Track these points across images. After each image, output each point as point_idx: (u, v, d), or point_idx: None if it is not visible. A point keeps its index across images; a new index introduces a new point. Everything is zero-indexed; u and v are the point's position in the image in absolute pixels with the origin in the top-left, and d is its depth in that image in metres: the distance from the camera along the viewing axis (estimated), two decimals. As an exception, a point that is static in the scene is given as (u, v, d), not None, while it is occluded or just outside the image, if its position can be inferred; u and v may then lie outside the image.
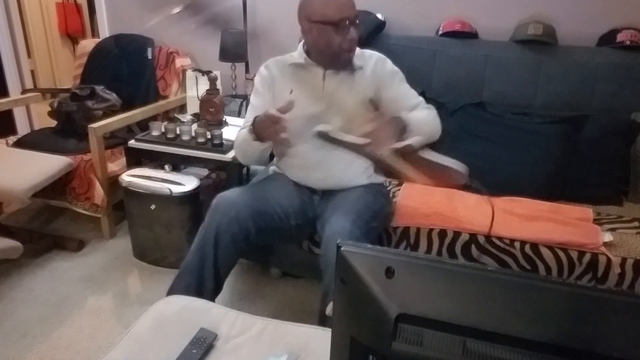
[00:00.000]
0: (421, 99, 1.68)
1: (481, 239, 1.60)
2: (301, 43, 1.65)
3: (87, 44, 2.81)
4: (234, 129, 2.35)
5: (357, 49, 1.61)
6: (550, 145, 1.92)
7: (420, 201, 1.77)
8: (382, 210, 1.63)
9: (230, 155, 2.04)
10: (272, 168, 1.80)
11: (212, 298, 1.49)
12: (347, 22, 1.48)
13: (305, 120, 1.56)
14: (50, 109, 2.48)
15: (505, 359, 0.51)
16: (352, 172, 1.65)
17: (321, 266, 1.47)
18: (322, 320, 1.59)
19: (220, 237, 1.45)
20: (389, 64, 1.66)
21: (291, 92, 1.60)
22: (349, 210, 1.48)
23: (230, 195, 1.53)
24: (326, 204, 1.61)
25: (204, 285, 1.48)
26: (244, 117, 2.61)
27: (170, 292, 1.48)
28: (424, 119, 1.55)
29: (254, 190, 1.63)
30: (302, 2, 1.55)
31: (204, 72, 2.52)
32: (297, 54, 1.65)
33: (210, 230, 1.46)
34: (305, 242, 1.74)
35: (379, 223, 1.60)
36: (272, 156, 1.77)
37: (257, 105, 1.66)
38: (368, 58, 1.65)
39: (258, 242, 1.57)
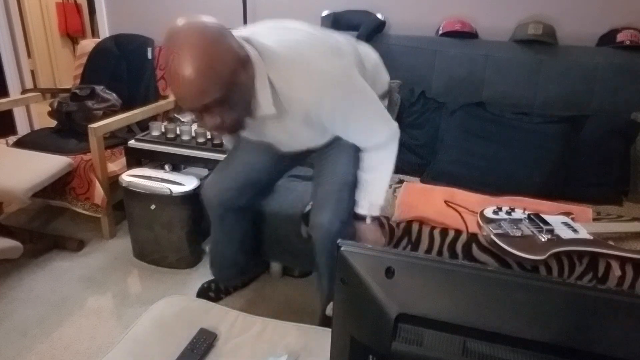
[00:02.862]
0: (377, 141, 1.37)
1: (482, 239, 1.60)
2: None
3: (87, 44, 2.81)
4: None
5: (286, 90, 1.19)
6: (550, 145, 1.92)
7: (422, 199, 1.77)
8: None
9: (230, 155, 2.05)
10: None
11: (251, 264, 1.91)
12: (197, 111, 1.11)
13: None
14: (50, 109, 2.47)
15: (505, 359, 0.51)
16: (300, 140, 1.45)
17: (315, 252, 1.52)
18: (324, 321, 1.61)
19: (221, 222, 1.67)
20: (325, 105, 1.21)
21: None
22: (327, 201, 1.44)
23: (208, 185, 1.63)
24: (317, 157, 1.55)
25: (239, 259, 1.80)
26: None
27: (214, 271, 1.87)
28: (379, 183, 1.44)
29: (229, 167, 1.63)
30: None
31: (204, 72, 2.52)
32: None
33: (211, 220, 1.69)
34: (304, 228, 1.77)
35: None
36: None
37: None
38: (296, 103, 1.22)
39: (256, 204, 1.76)
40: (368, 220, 1.47)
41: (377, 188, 1.44)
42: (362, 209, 1.45)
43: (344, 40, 1.41)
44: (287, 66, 1.17)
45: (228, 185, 1.61)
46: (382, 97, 1.51)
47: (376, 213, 1.47)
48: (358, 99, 1.28)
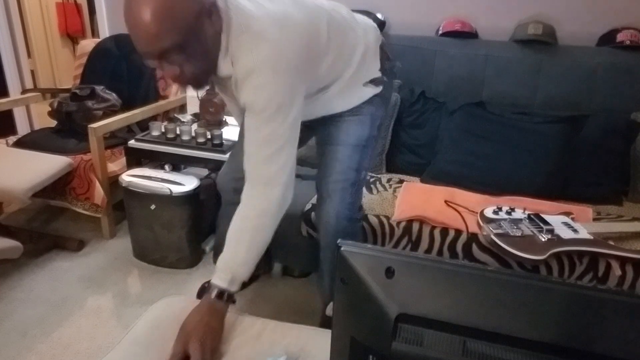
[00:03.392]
0: (264, 171, 1.17)
1: (482, 238, 1.60)
2: None
3: (87, 44, 2.81)
4: (233, 129, 2.35)
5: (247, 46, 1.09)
6: (550, 145, 1.92)
7: (422, 199, 1.77)
8: (369, 142, 1.48)
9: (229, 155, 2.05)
10: None
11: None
12: (155, 58, 1.03)
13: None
14: (50, 109, 2.47)
15: (505, 359, 0.51)
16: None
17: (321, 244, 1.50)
18: (324, 321, 1.61)
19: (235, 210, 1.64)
20: (252, 81, 1.08)
21: None
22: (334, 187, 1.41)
23: (221, 175, 1.66)
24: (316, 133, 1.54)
25: None
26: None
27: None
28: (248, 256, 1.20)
29: (236, 157, 1.62)
30: None
31: (204, 72, 2.52)
32: None
33: (222, 211, 1.69)
34: (303, 227, 1.76)
35: (368, 161, 1.51)
36: None
37: None
38: (241, 66, 1.10)
39: None
40: (212, 295, 1.11)
41: (241, 253, 1.19)
42: (218, 278, 1.13)
43: (340, 19, 1.34)
44: (248, 29, 1.08)
45: (239, 175, 1.62)
46: (374, 83, 1.46)
47: (234, 288, 1.13)
48: (283, 107, 1.12)
